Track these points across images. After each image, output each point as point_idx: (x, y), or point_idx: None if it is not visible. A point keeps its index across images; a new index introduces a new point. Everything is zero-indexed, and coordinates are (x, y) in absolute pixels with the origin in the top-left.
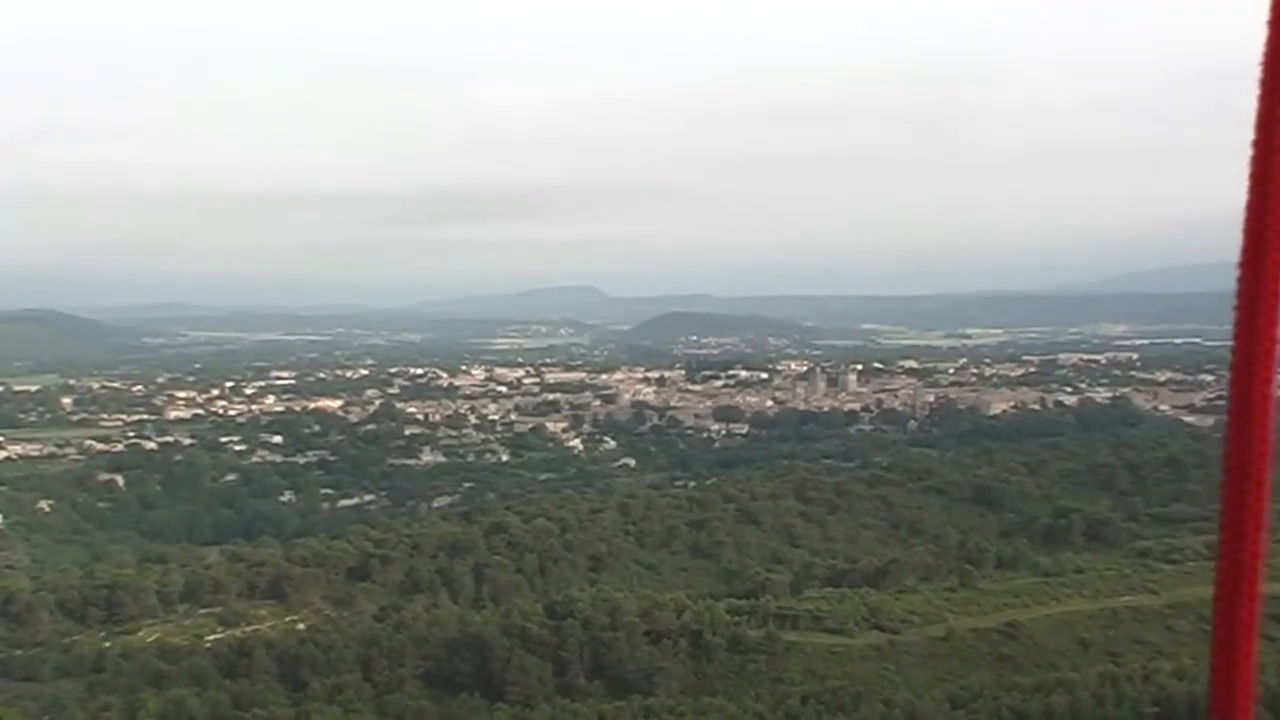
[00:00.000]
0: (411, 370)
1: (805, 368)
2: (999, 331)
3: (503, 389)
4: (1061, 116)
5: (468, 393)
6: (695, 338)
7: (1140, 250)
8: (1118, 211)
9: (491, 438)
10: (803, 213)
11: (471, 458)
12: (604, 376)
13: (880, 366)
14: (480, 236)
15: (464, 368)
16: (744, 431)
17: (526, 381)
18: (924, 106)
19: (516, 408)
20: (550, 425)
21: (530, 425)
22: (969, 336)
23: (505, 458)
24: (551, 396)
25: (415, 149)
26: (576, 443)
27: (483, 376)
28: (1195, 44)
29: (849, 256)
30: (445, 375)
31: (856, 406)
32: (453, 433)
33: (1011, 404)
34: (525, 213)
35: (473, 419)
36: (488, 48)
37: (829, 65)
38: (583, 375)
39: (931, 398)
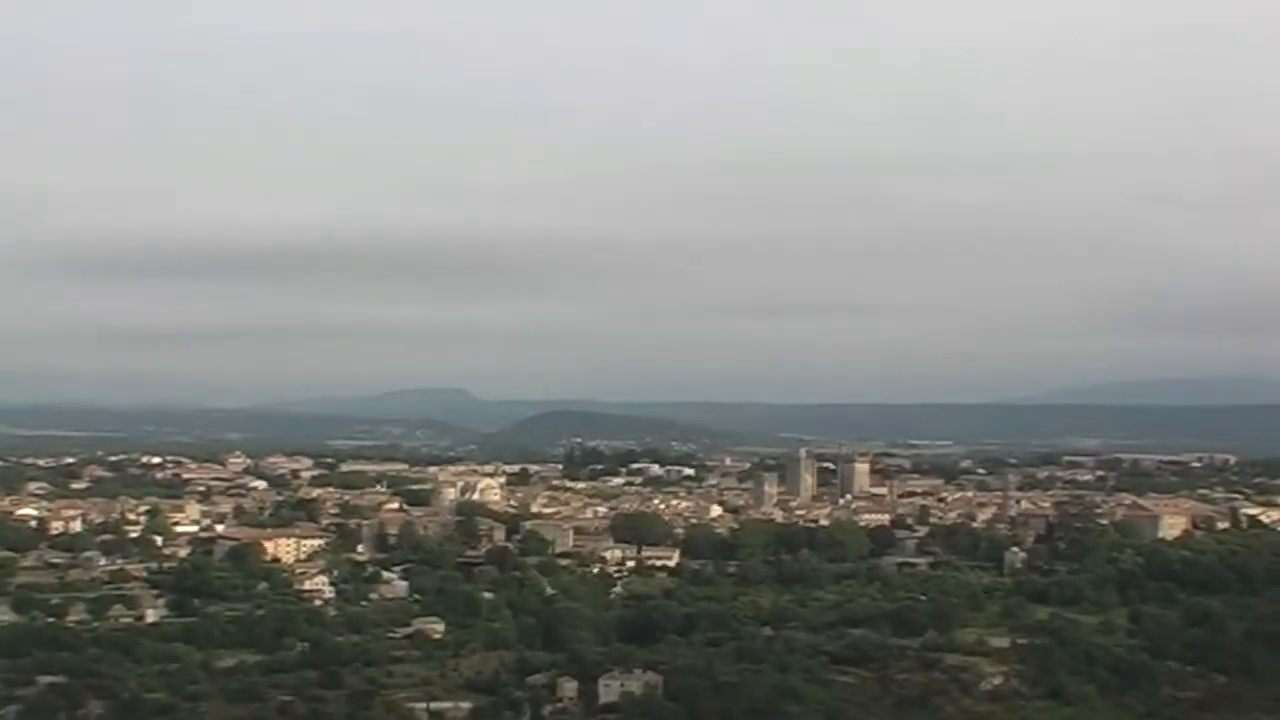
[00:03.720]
0: (145, 459)
1: (758, 461)
2: (949, 443)
3: (260, 484)
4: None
5: (200, 487)
6: (580, 440)
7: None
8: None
9: (147, 568)
10: (704, 311)
11: (84, 613)
12: (432, 470)
13: (892, 460)
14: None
15: (222, 456)
16: (670, 562)
17: (305, 474)
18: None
19: (236, 513)
20: (282, 545)
21: (242, 543)
22: (917, 446)
23: (151, 614)
24: (315, 493)
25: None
26: (322, 582)
27: (242, 467)
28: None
29: (749, 362)
30: (190, 464)
31: (885, 518)
32: (66, 556)
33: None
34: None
35: (145, 528)
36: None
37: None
38: (402, 467)
39: (1048, 506)
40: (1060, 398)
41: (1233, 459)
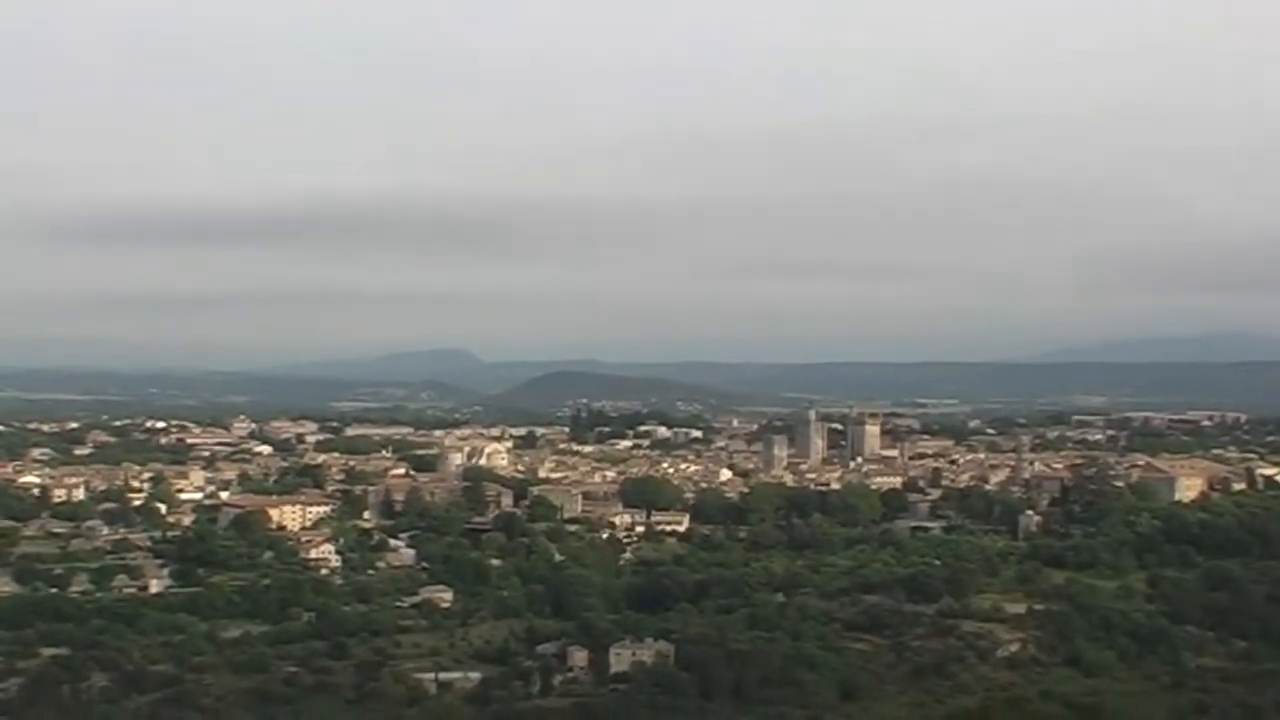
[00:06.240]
0: (149, 424)
1: (766, 423)
2: (954, 402)
3: (264, 449)
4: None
5: (204, 452)
6: (585, 402)
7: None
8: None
9: (151, 537)
10: (705, 272)
11: (87, 584)
12: (438, 434)
13: (901, 420)
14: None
15: (226, 421)
16: (680, 528)
17: (309, 439)
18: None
19: (241, 479)
20: (288, 512)
21: (247, 510)
22: (923, 405)
23: (155, 584)
24: (320, 459)
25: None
26: (328, 550)
27: (247, 431)
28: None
29: (750, 322)
30: (194, 429)
31: (896, 481)
32: (69, 525)
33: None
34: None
35: (149, 495)
36: None
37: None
38: (407, 431)
39: (1061, 468)
40: (1059, 356)
41: (1244, 418)
